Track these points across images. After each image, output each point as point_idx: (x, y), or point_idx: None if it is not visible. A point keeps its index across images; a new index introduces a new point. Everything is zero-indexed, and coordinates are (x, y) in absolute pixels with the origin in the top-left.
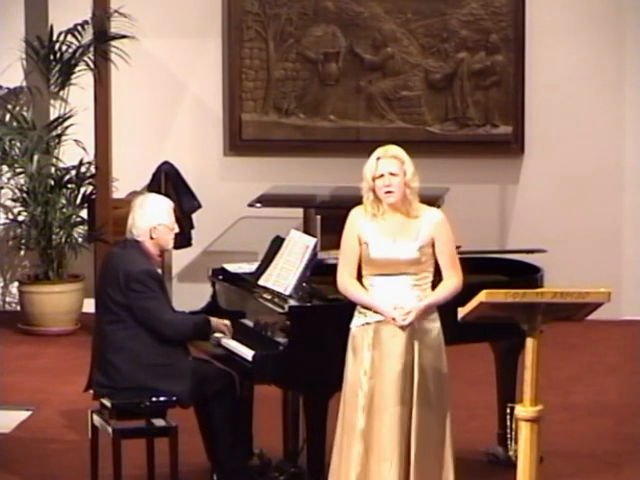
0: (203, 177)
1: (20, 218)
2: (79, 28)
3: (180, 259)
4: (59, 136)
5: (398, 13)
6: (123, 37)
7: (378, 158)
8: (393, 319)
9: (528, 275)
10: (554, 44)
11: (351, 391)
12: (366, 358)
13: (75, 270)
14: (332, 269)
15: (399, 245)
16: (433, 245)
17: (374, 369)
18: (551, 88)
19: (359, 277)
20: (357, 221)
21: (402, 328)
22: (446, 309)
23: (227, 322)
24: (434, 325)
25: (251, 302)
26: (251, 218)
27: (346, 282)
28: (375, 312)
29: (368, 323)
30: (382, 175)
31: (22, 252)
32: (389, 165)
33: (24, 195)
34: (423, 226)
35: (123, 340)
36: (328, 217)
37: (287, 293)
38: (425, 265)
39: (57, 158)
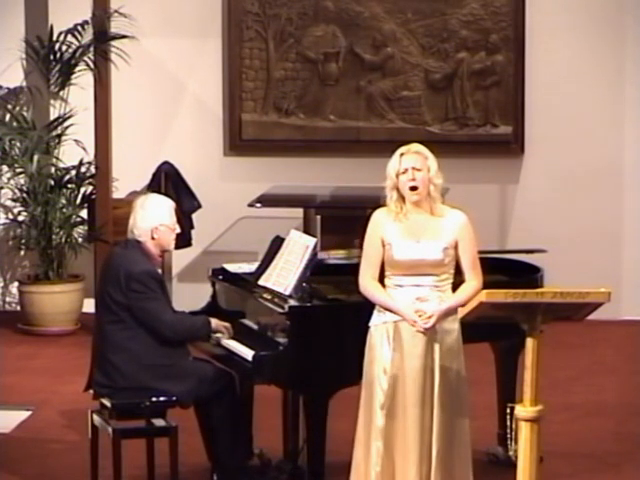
0: (203, 177)
1: (20, 218)
2: (79, 28)
3: (180, 259)
4: (59, 136)
5: (398, 13)
6: (123, 37)
7: (402, 154)
8: (414, 323)
9: (528, 275)
10: (554, 44)
11: (369, 388)
12: (386, 356)
13: (75, 270)
14: (332, 269)
15: (423, 246)
16: (456, 247)
17: (394, 368)
18: (551, 88)
19: (381, 276)
20: (380, 222)
21: (423, 332)
22: None
23: (227, 325)
24: (454, 326)
25: (251, 302)
26: (251, 218)
27: (368, 284)
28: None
29: (387, 322)
30: (406, 170)
31: (22, 252)
32: (413, 160)
33: (24, 195)
34: (447, 227)
35: (123, 340)
36: (328, 217)
37: (287, 293)
38: (447, 267)
39: (57, 158)
